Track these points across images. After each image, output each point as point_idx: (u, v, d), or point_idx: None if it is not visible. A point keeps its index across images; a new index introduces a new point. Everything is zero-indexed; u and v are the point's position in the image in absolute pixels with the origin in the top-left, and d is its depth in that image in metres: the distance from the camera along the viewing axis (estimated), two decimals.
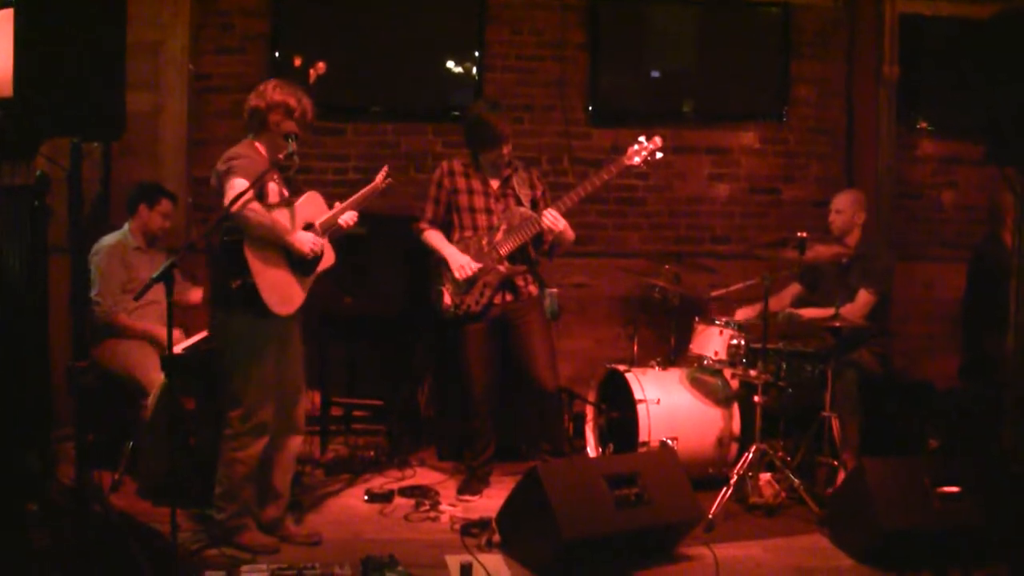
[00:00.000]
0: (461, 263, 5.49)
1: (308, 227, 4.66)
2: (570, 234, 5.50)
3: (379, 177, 4.87)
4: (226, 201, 4.29)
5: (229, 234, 4.40)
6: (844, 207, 6.05)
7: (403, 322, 6.59)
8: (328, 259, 4.76)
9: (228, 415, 4.59)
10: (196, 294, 5.93)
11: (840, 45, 7.58)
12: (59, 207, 4.64)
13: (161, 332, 5.35)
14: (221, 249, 4.43)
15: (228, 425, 4.59)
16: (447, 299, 5.55)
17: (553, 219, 5.37)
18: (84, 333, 5.37)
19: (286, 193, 4.69)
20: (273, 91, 4.57)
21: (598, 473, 4.64)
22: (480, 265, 5.48)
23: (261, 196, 4.48)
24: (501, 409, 5.76)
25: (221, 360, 4.66)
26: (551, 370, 5.57)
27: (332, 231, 4.77)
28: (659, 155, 5.43)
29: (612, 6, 7.34)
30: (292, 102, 4.56)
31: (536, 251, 5.64)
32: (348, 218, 4.80)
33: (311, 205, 4.72)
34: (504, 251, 5.49)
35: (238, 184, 4.32)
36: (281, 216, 4.53)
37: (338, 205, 4.78)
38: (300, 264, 4.60)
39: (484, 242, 5.53)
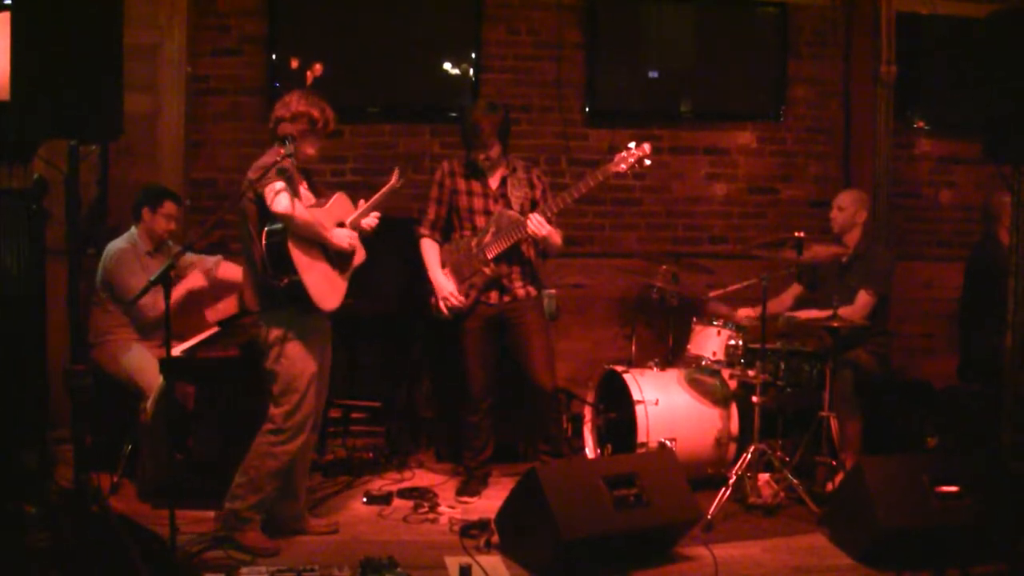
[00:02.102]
0: (444, 295, 5.55)
1: (340, 225, 4.76)
2: (556, 239, 5.50)
3: (393, 177, 4.96)
4: (269, 204, 4.40)
5: (272, 235, 4.47)
6: (847, 204, 6.06)
7: (401, 323, 6.59)
8: (360, 255, 4.88)
9: (271, 412, 4.65)
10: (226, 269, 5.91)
11: (837, 44, 7.58)
12: (57, 209, 4.65)
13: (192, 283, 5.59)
14: (266, 249, 4.48)
15: (271, 421, 4.65)
16: (433, 298, 5.61)
17: (537, 224, 5.37)
18: (82, 335, 5.37)
19: (313, 197, 4.79)
20: (298, 102, 4.66)
21: (597, 474, 4.64)
22: (461, 300, 5.51)
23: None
24: (500, 410, 5.76)
25: (265, 359, 4.68)
26: (548, 371, 5.58)
27: (359, 232, 4.88)
28: (647, 162, 5.40)
29: (609, 5, 7.32)
30: (316, 113, 4.66)
31: (536, 251, 5.65)
32: (370, 220, 4.89)
33: (341, 205, 4.83)
34: (491, 253, 5.50)
35: (277, 187, 4.41)
36: (322, 216, 4.64)
37: (362, 203, 4.86)
38: (338, 261, 4.73)
39: (473, 244, 5.55)
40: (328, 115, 4.71)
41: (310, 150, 4.71)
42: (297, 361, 4.62)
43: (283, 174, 4.45)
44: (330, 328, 4.89)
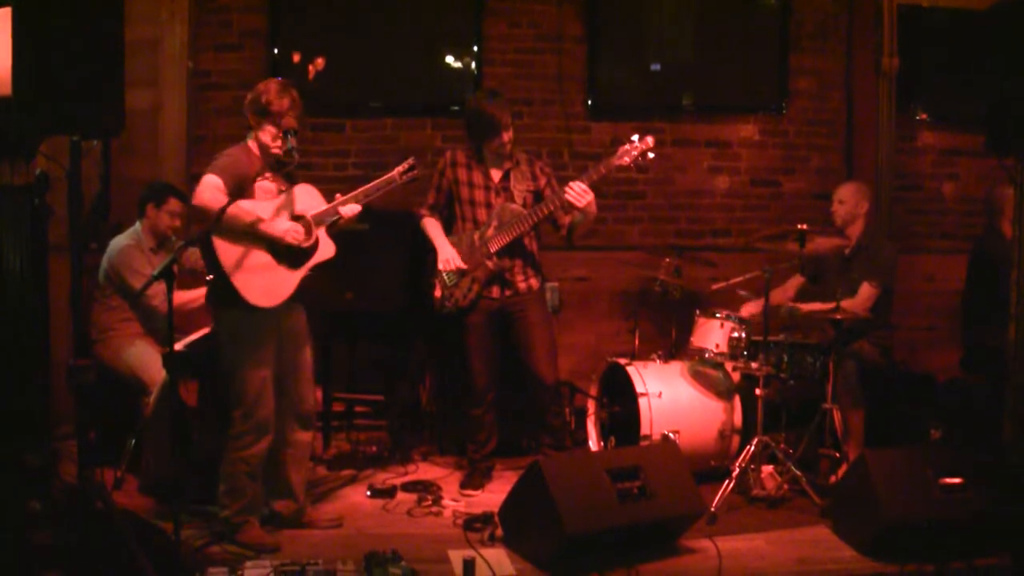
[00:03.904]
0: (447, 256, 5.53)
1: (297, 219, 4.62)
2: (594, 209, 5.39)
3: (397, 169, 4.86)
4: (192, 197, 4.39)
5: (203, 229, 4.42)
6: (847, 198, 6.04)
7: (404, 317, 6.59)
8: (325, 252, 4.71)
9: (231, 414, 4.61)
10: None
11: (839, 37, 7.57)
12: (59, 205, 4.64)
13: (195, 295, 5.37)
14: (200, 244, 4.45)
15: (231, 424, 4.61)
16: (436, 291, 5.60)
17: (579, 192, 5.26)
18: (85, 331, 5.37)
19: (282, 189, 4.67)
20: (257, 92, 4.58)
21: (600, 467, 4.64)
22: (463, 265, 5.50)
23: (240, 191, 4.46)
24: (503, 403, 5.77)
25: (221, 358, 4.67)
26: (550, 364, 5.59)
27: (331, 224, 4.73)
28: (650, 155, 5.38)
29: None
30: (268, 98, 4.53)
31: (565, 231, 5.62)
32: (348, 211, 4.71)
33: (303, 197, 4.68)
34: (493, 247, 5.50)
35: (205, 180, 4.38)
36: (265, 209, 4.52)
37: (339, 197, 4.75)
38: (288, 256, 4.58)
39: (476, 237, 5.55)
40: (283, 102, 4.51)
41: (265, 138, 4.58)
42: (243, 363, 4.55)
43: (284, 167, 4.44)
44: (299, 322, 4.77)
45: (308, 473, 4.99)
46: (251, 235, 4.47)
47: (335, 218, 4.71)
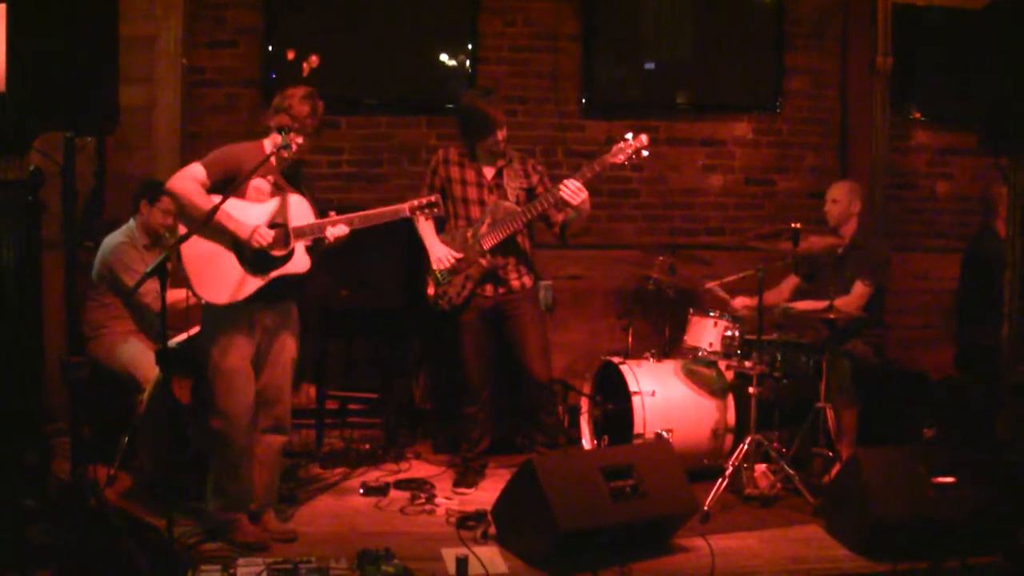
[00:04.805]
0: (439, 255, 5.51)
1: (277, 226, 4.53)
2: (588, 207, 5.40)
3: (412, 201, 4.75)
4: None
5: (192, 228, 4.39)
6: (840, 197, 6.05)
7: (399, 315, 6.59)
8: (297, 265, 4.56)
9: (207, 411, 4.61)
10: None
11: (834, 36, 7.57)
12: (53, 202, 4.64)
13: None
14: None
15: (209, 421, 4.60)
16: (429, 289, 5.59)
17: (573, 190, 5.25)
18: (79, 328, 5.36)
19: (277, 192, 4.60)
20: (282, 98, 4.60)
21: (593, 465, 4.64)
22: (459, 256, 5.49)
23: (221, 188, 4.40)
24: (497, 401, 5.77)
25: (198, 354, 4.67)
26: (543, 362, 5.58)
27: (316, 241, 4.59)
28: (645, 153, 5.36)
29: None
30: (289, 102, 4.57)
31: (558, 230, 5.61)
32: (336, 231, 4.57)
33: (293, 207, 4.58)
34: (487, 245, 5.49)
35: (187, 168, 4.42)
36: (251, 210, 4.49)
37: (332, 215, 4.64)
38: (253, 261, 4.50)
39: (469, 235, 5.54)
40: (302, 109, 4.57)
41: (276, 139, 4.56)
42: (213, 358, 4.53)
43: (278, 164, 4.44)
44: (280, 320, 4.67)
45: (276, 478, 4.87)
46: (218, 231, 4.43)
47: (320, 236, 4.58)
